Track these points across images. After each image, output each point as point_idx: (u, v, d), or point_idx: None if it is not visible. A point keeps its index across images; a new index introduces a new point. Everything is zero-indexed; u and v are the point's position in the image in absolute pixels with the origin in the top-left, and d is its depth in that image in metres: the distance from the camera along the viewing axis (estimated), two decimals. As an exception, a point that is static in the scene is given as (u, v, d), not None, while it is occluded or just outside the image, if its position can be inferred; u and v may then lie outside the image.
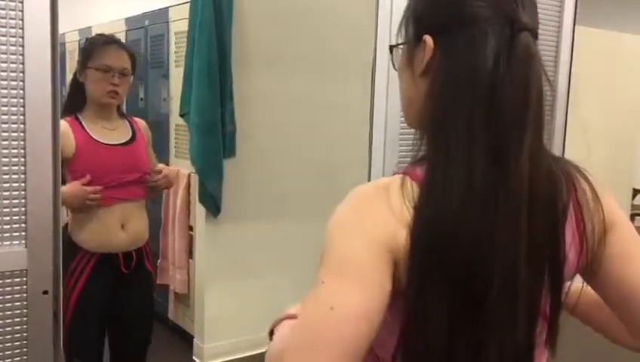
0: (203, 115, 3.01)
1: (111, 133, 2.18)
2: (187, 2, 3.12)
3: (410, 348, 0.76)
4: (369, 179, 1.76)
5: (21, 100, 1.26)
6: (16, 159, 1.27)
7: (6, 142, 1.26)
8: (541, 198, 0.76)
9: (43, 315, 1.32)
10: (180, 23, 3.45)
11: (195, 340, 3.44)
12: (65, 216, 2.17)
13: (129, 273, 2.21)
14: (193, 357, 3.43)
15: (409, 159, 0.83)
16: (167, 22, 3.64)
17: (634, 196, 5.43)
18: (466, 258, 0.73)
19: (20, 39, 1.25)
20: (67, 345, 1.90)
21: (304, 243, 3.23)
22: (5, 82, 1.25)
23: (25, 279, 1.30)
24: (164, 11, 3.67)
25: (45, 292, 1.32)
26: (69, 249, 2.08)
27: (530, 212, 0.74)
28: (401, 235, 0.74)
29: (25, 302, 1.31)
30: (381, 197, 0.76)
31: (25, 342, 1.32)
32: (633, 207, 5.58)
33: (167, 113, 3.69)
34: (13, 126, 1.26)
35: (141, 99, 3.94)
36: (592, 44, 4.18)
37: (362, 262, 0.73)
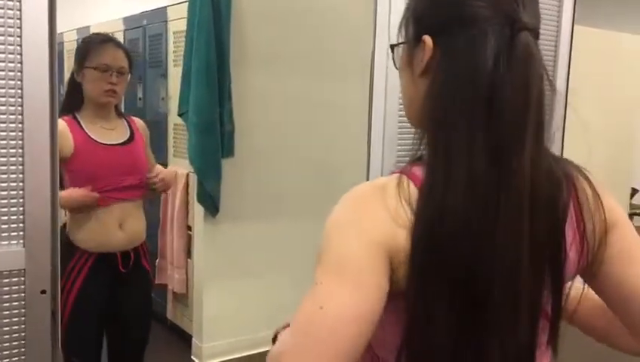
0: (201, 115, 3.01)
1: (109, 132, 2.18)
2: (185, 1, 3.12)
3: (413, 349, 0.76)
4: (367, 179, 1.76)
5: (19, 100, 1.26)
6: (14, 158, 1.27)
7: (4, 142, 1.26)
8: (542, 198, 0.76)
9: (41, 315, 1.32)
10: (178, 23, 3.45)
11: (193, 340, 3.44)
12: (63, 215, 2.16)
13: (127, 272, 2.21)
14: (192, 357, 3.43)
15: (407, 159, 0.83)
16: (166, 21, 3.63)
17: (632, 195, 5.44)
18: (468, 258, 0.73)
19: (18, 38, 1.25)
20: (66, 344, 1.90)
21: (302, 243, 3.23)
22: (3, 82, 1.24)
23: (23, 279, 1.30)
24: (163, 10, 3.66)
25: (43, 292, 1.32)
26: (67, 248, 2.08)
27: (531, 212, 0.74)
28: (397, 235, 0.74)
29: (23, 302, 1.30)
30: (377, 197, 0.76)
31: (23, 341, 1.31)
32: (631, 206, 5.59)
33: (165, 112, 3.68)
34: (11, 125, 1.26)
35: (139, 99, 3.94)
36: (590, 44, 4.19)
37: (359, 263, 0.73)
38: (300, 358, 0.69)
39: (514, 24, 0.75)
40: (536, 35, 0.78)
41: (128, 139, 2.23)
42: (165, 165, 3.62)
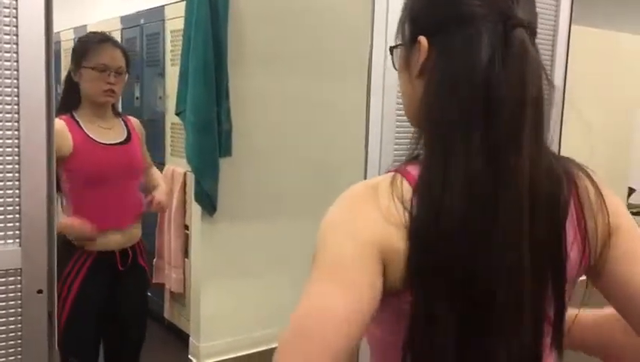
0: (199, 114, 3.01)
1: (107, 132, 2.18)
2: (183, 0, 3.12)
3: (416, 349, 0.76)
4: (365, 179, 1.76)
5: (15, 99, 1.26)
6: (10, 158, 1.26)
7: (0, 141, 1.26)
8: (542, 197, 0.75)
9: (37, 314, 1.32)
10: (175, 22, 3.44)
11: (190, 339, 3.44)
12: (60, 215, 2.16)
13: (125, 270, 2.21)
14: (189, 356, 3.43)
15: (404, 159, 0.83)
16: (163, 20, 3.63)
17: (629, 195, 5.45)
18: (466, 258, 0.73)
19: (15, 37, 1.25)
20: (65, 344, 1.91)
21: (300, 242, 3.23)
22: (-1, 80, 1.24)
23: (19, 278, 1.29)
24: (160, 10, 3.66)
25: (40, 292, 1.31)
26: (65, 248, 2.08)
27: (532, 211, 0.74)
28: (390, 234, 0.74)
29: (19, 301, 1.30)
30: (370, 196, 0.76)
31: (19, 341, 1.31)
32: (629, 206, 5.60)
33: (162, 111, 3.68)
34: (7, 124, 1.26)
35: (137, 98, 3.93)
36: (589, 44, 4.19)
37: (351, 263, 0.73)
38: (292, 358, 0.70)
39: (508, 21, 0.75)
40: (532, 31, 0.78)
41: (126, 139, 2.23)
42: (163, 164, 3.62)
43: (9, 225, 1.28)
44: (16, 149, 1.27)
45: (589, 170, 0.86)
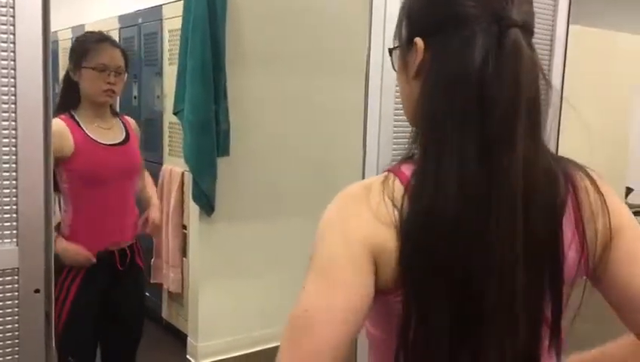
0: (197, 113, 3.01)
1: (106, 132, 2.18)
2: (181, 0, 3.11)
3: (408, 348, 0.76)
4: (363, 178, 1.76)
5: (12, 98, 1.25)
6: (7, 157, 1.26)
7: (-3, 140, 1.25)
8: (538, 197, 0.75)
9: (34, 314, 1.31)
10: (173, 21, 3.44)
11: (188, 339, 3.44)
12: (57, 215, 2.16)
13: (122, 270, 2.22)
14: (187, 356, 3.43)
15: (399, 159, 0.84)
16: (161, 19, 3.62)
17: (627, 195, 5.46)
18: (459, 259, 0.73)
19: (12, 36, 1.24)
20: (63, 344, 1.90)
21: (298, 242, 3.23)
22: (-4, 80, 1.24)
23: (16, 277, 1.29)
24: (158, 9, 3.65)
25: (37, 291, 1.31)
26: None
27: (527, 211, 0.74)
28: (381, 233, 0.75)
29: (16, 301, 1.30)
30: (363, 196, 0.78)
31: (16, 341, 1.31)
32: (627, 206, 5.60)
33: (160, 111, 3.68)
34: (4, 124, 1.25)
35: (135, 97, 3.93)
36: (586, 44, 4.20)
37: (344, 263, 0.74)
38: (290, 356, 0.72)
39: (502, 21, 0.75)
40: (528, 31, 0.78)
41: (124, 139, 2.23)
42: (160, 164, 3.62)
43: (6, 224, 1.28)
44: (13, 148, 1.26)
45: (589, 170, 0.86)
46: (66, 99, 2.17)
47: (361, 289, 0.74)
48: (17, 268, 1.29)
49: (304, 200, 3.44)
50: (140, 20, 3.85)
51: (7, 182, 1.27)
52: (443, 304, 0.73)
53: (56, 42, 4.88)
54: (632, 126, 5.41)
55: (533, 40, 0.80)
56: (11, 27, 1.24)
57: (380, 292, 0.76)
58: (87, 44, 2.17)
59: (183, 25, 3.05)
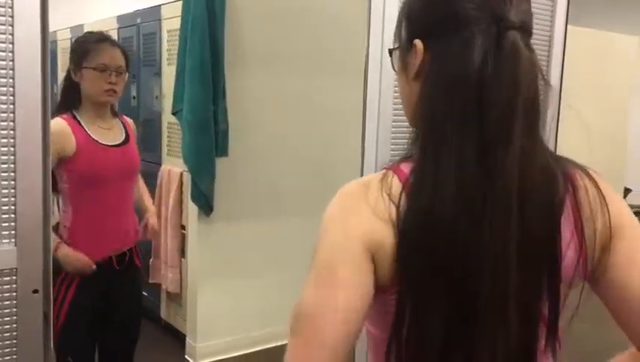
0: (195, 113, 3.01)
1: (107, 133, 2.18)
2: (179, 0, 3.11)
3: (401, 347, 0.77)
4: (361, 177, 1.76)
5: (11, 98, 1.25)
6: (5, 157, 1.26)
7: (-4, 140, 1.25)
8: (535, 195, 0.75)
9: (33, 314, 1.31)
10: (172, 21, 3.44)
11: (187, 339, 3.44)
12: (55, 215, 2.16)
13: (120, 270, 2.22)
14: (185, 357, 3.43)
15: (398, 158, 0.84)
16: (160, 19, 3.62)
17: (625, 195, 5.46)
18: (455, 260, 0.73)
19: (10, 36, 1.24)
20: (61, 344, 1.90)
21: (297, 242, 3.23)
22: (-5, 80, 1.24)
23: (15, 278, 1.29)
24: (157, 9, 3.65)
25: (35, 291, 1.31)
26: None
27: (523, 210, 0.74)
28: (379, 229, 0.75)
29: (14, 301, 1.29)
30: (361, 194, 0.78)
31: (14, 341, 1.31)
32: (625, 206, 5.60)
33: (159, 111, 3.67)
34: (3, 124, 1.25)
35: (133, 98, 3.92)
36: (582, 44, 4.20)
37: (344, 263, 0.75)
38: (293, 355, 0.73)
39: (500, 22, 0.75)
40: (526, 32, 0.78)
41: (124, 140, 2.24)
42: (159, 164, 3.62)
43: (4, 224, 1.28)
44: (12, 149, 1.26)
45: (590, 170, 0.86)
46: (67, 99, 2.18)
47: (361, 288, 0.75)
48: (16, 269, 1.29)
49: (303, 200, 3.44)
50: (138, 20, 3.85)
51: (6, 183, 1.27)
52: (438, 304, 0.74)
53: (54, 42, 4.88)
54: (631, 127, 5.42)
55: (532, 40, 0.80)
56: (10, 27, 1.24)
57: (378, 289, 0.76)
58: (87, 44, 2.17)
59: (181, 25, 3.05)
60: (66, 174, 2.09)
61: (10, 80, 1.25)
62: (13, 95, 1.25)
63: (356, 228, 0.76)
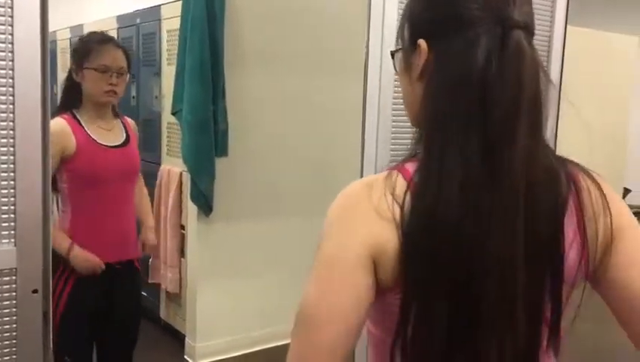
0: (195, 113, 3.01)
1: (107, 133, 2.18)
2: (179, 0, 3.11)
3: (406, 348, 0.76)
4: (361, 177, 1.76)
5: (10, 98, 1.25)
6: (5, 157, 1.26)
7: (-5, 140, 1.25)
8: (540, 195, 0.75)
9: (32, 314, 1.31)
10: (172, 21, 3.44)
11: (186, 339, 3.44)
12: (55, 215, 2.16)
13: (118, 271, 2.22)
14: (185, 357, 3.43)
15: (401, 157, 0.84)
16: (159, 19, 3.62)
17: (624, 195, 5.47)
18: (461, 260, 0.73)
19: (10, 36, 1.24)
20: (59, 343, 1.90)
21: (297, 242, 3.23)
22: (-5, 80, 1.24)
23: (14, 278, 1.29)
24: (156, 9, 3.65)
25: (35, 291, 1.31)
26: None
27: (528, 210, 0.74)
28: (381, 231, 0.75)
29: (14, 301, 1.29)
30: (365, 194, 0.78)
31: (14, 341, 1.31)
32: (624, 206, 5.59)
33: (159, 111, 3.67)
34: (3, 124, 1.25)
35: (133, 97, 3.92)
36: (581, 44, 4.20)
37: (346, 263, 0.75)
38: (296, 357, 0.74)
39: (505, 22, 0.75)
40: (529, 32, 0.78)
41: (124, 141, 2.24)
42: (159, 164, 3.62)
43: (4, 224, 1.28)
44: (11, 149, 1.26)
45: (593, 172, 0.86)
46: (69, 98, 2.18)
47: (362, 288, 0.75)
48: (15, 269, 1.29)
49: (303, 200, 3.44)
50: (138, 20, 3.85)
51: (6, 183, 1.27)
52: (443, 305, 0.73)
53: (54, 42, 4.88)
54: (630, 127, 5.42)
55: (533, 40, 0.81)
56: (9, 27, 1.24)
57: (380, 290, 0.76)
58: (90, 44, 2.17)
59: (181, 25, 3.05)
60: (65, 174, 2.09)
61: (10, 80, 1.25)
62: (13, 95, 1.25)
63: (359, 229, 0.76)
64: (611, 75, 4.95)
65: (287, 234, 3.47)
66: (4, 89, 1.24)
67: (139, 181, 2.39)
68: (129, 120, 2.36)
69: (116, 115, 2.28)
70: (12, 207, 1.28)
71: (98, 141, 2.13)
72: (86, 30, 4.14)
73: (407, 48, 0.85)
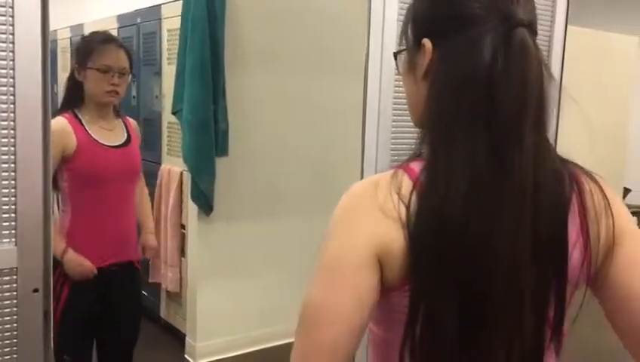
0: (195, 113, 3.01)
1: (108, 133, 2.18)
2: (180, -1, 3.11)
3: (415, 347, 0.76)
4: (361, 178, 1.76)
5: (11, 97, 1.25)
6: (6, 157, 1.26)
7: (-4, 140, 1.25)
8: (545, 196, 0.75)
9: (33, 313, 1.31)
10: (172, 20, 3.44)
11: (187, 339, 3.44)
12: (56, 214, 2.16)
13: (118, 271, 2.22)
14: (185, 356, 3.43)
15: (401, 158, 0.84)
16: (160, 19, 3.62)
17: (624, 195, 5.46)
18: (469, 259, 0.73)
19: (11, 36, 1.24)
20: (57, 342, 1.91)
21: (297, 242, 3.24)
22: (-5, 80, 1.24)
23: (15, 277, 1.29)
24: (157, 8, 3.65)
25: (35, 291, 1.31)
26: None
27: (535, 211, 0.74)
28: (388, 230, 0.75)
29: (15, 301, 1.29)
30: (370, 194, 0.78)
31: (15, 340, 1.31)
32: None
33: (159, 111, 3.67)
34: (3, 123, 1.25)
35: (133, 97, 3.92)
36: (580, 44, 4.20)
37: (350, 262, 0.75)
38: (298, 355, 0.74)
39: (509, 20, 0.76)
40: (533, 31, 0.78)
41: (125, 141, 2.24)
42: (159, 163, 3.62)
43: (5, 224, 1.28)
44: (12, 148, 1.26)
45: (594, 174, 0.86)
46: (70, 97, 2.18)
47: (366, 287, 0.74)
48: (16, 268, 1.29)
49: (303, 200, 3.44)
50: (138, 20, 3.85)
51: (6, 182, 1.27)
52: (452, 304, 0.73)
53: (55, 41, 4.88)
54: (631, 127, 5.42)
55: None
56: (10, 27, 1.24)
57: (385, 289, 0.76)
58: (92, 44, 2.18)
59: (181, 24, 3.05)
60: (66, 173, 2.09)
61: (11, 79, 1.25)
62: (14, 95, 1.25)
63: (363, 228, 0.76)
64: (611, 75, 4.95)
65: (287, 234, 3.47)
66: (4, 88, 1.24)
67: (140, 181, 2.39)
68: (131, 120, 2.36)
69: (118, 115, 2.28)
70: (13, 207, 1.28)
71: (99, 141, 2.13)
72: (86, 29, 4.15)
73: (411, 48, 0.85)
